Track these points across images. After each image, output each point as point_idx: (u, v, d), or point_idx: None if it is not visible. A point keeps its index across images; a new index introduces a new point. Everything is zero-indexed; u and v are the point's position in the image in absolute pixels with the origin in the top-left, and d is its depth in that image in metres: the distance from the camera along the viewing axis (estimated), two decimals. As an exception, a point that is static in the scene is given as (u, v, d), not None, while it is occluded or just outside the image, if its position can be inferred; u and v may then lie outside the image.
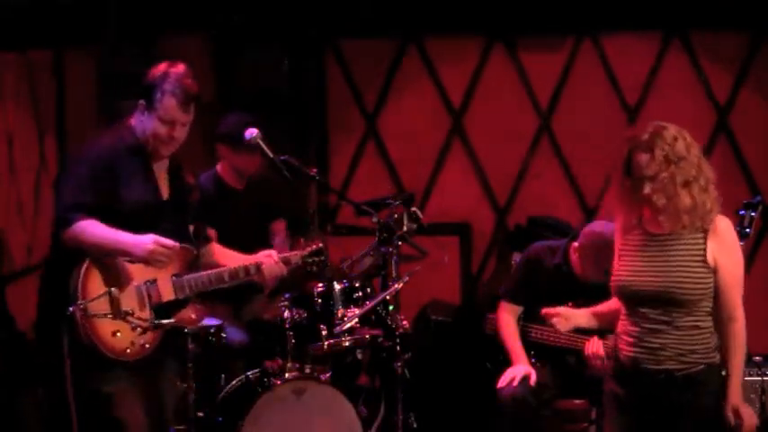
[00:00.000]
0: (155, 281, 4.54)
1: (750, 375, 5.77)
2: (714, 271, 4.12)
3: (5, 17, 7.07)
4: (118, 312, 4.34)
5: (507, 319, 5.65)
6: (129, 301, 4.44)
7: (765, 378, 5.80)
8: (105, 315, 4.33)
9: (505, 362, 5.63)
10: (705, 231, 4.12)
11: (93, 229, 4.43)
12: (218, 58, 7.42)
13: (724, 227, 4.15)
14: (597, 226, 5.48)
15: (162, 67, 4.56)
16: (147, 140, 4.57)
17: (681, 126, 4.20)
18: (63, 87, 7.59)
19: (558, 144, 7.70)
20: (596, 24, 7.55)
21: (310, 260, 5.13)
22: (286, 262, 4.97)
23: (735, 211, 5.45)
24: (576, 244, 5.54)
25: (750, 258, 7.31)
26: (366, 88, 7.87)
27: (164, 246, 4.47)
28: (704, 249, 4.11)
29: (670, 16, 7.39)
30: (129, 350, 4.47)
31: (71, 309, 4.29)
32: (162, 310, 4.56)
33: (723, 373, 4.20)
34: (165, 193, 4.66)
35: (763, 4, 7.16)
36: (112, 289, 4.35)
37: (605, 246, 4.99)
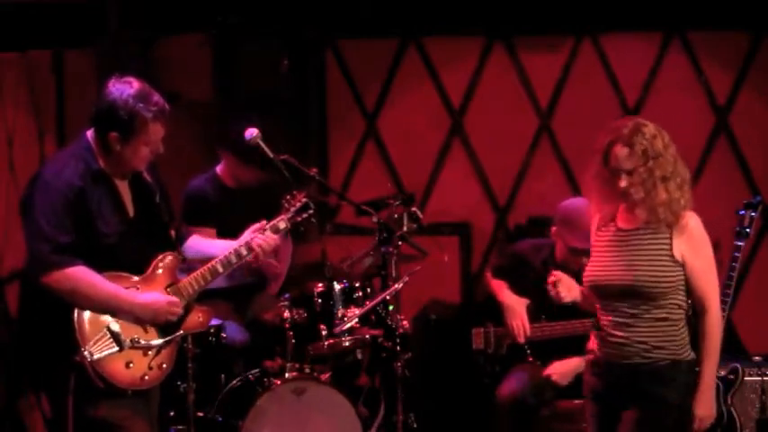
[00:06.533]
0: None
1: (750, 375, 5.78)
2: (682, 265, 4.18)
3: (5, 17, 7.07)
4: (123, 344, 4.21)
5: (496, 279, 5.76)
6: (130, 328, 4.29)
7: (765, 378, 5.80)
8: (112, 352, 4.19)
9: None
10: (671, 227, 4.18)
11: (90, 279, 4.23)
12: (217, 58, 7.40)
13: (692, 224, 4.21)
14: (567, 201, 5.57)
15: (122, 90, 4.33)
16: (118, 166, 4.37)
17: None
18: (63, 87, 7.59)
19: (558, 144, 7.70)
20: (596, 24, 7.55)
21: (300, 218, 4.87)
22: (275, 230, 4.76)
23: (735, 211, 5.46)
24: (554, 229, 5.59)
25: (750, 258, 7.30)
26: (366, 88, 7.87)
27: (176, 304, 4.37)
28: (670, 244, 4.18)
29: (670, 16, 7.39)
30: (147, 376, 4.32)
31: (77, 359, 4.12)
32: (168, 324, 4.40)
33: (697, 369, 4.23)
34: (130, 210, 4.44)
35: (763, 4, 7.16)
36: (110, 325, 4.21)
37: (577, 212, 5.17)
